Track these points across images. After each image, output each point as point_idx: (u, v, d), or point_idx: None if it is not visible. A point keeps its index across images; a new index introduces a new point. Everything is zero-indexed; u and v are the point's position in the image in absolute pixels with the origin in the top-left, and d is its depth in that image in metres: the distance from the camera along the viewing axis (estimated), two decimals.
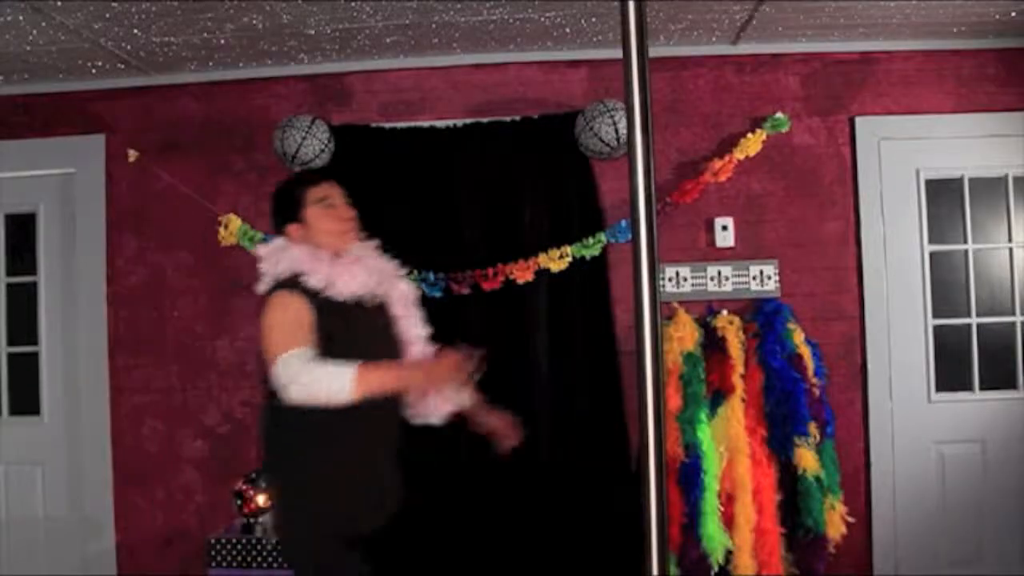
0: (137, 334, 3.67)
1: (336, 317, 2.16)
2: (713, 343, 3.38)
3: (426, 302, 3.44)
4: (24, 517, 3.70)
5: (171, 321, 3.66)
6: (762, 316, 3.41)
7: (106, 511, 3.63)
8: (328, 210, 2.29)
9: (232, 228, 3.56)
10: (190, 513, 3.63)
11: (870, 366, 3.51)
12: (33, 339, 3.74)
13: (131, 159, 3.62)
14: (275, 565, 3.16)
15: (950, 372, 3.57)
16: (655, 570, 1.45)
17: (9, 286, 3.79)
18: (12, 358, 3.78)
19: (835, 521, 3.29)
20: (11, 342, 3.78)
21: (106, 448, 3.64)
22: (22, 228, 3.79)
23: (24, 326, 3.75)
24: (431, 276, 3.45)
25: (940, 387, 3.56)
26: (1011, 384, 3.56)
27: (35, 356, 3.74)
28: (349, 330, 2.17)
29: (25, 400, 3.75)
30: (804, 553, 3.25)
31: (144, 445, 3.65)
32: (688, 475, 3.22)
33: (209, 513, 3.60)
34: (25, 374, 3.74)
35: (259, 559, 3.17)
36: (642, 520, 1.53)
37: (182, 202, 3.64)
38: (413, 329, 2.44)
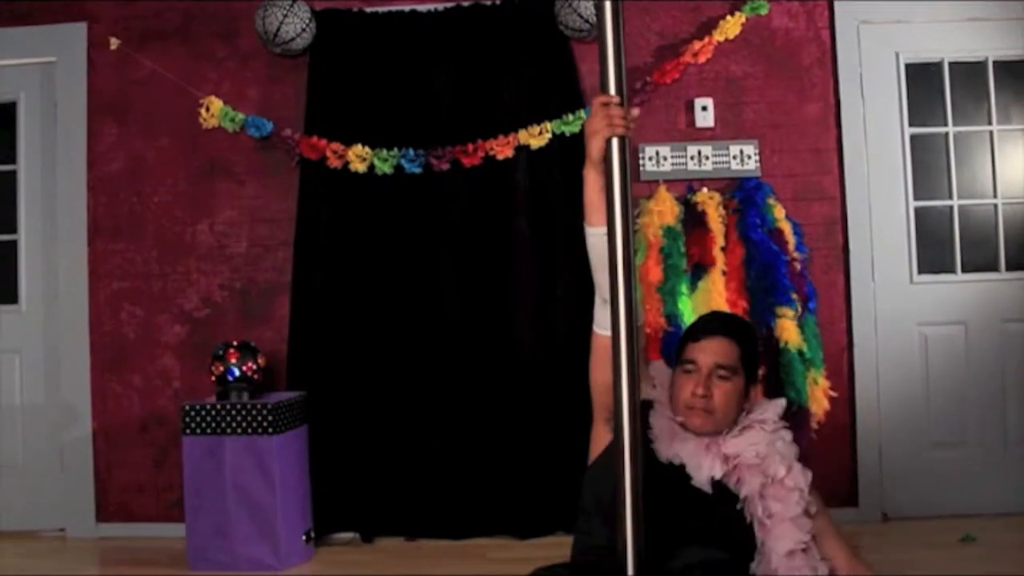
0: (117, 220, 3.65)
1: None
2: (693, 218, 3.38)
3: (406, 179, 3.49)
4: (1, 405, 3.67)
5: (151, 206, 3.64)
6: (743, 192, 3.41)
7: (83, 398, 3.60)
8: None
9: (214, 110, 3.55)
10: (167, 398, 3.59)
11: (852, 247, 3.50)
12: (12, 228, 3.72)
13: (113, 47, 3.62)
14: (249, 431, 3.13)
15: (932, 254, 3.56)
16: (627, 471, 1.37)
17: None
18: None
19: (818, 396, 3.27)
20: None
21: (84, 335, 3.61)
22: (2, 117, 3.77)
23: (3, 215, 3.73)
24: (411, 152, 3.45)
25: (922, 269, 3.54)
26: (993, 267, 3.55)
27: (14, 244, 3.71)
28: None
29: (3, 289, 3.72)
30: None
31: (122, 331, 3.63)
32: (671, 344, 3.20)
33: (187, 398, 3.56)
34: (3, 263, 3.72)
35: (233, 425, 3.13)
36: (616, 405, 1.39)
37: (164, 89, 3.63)
38: None
